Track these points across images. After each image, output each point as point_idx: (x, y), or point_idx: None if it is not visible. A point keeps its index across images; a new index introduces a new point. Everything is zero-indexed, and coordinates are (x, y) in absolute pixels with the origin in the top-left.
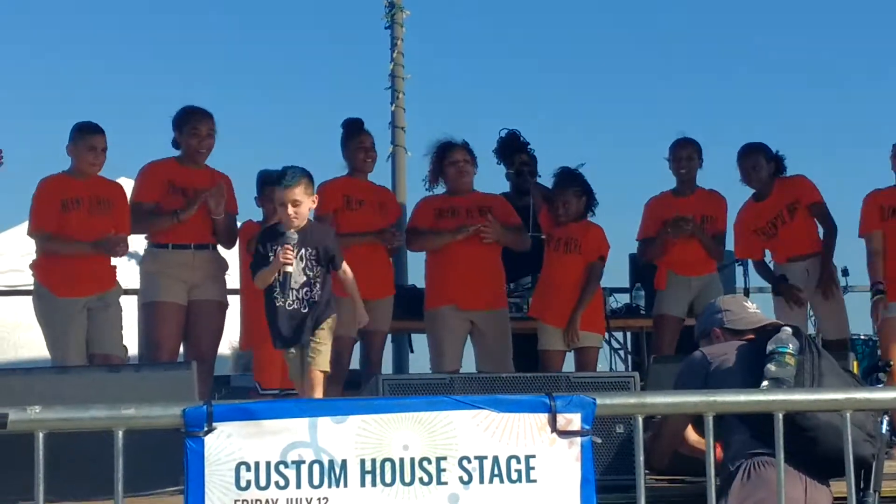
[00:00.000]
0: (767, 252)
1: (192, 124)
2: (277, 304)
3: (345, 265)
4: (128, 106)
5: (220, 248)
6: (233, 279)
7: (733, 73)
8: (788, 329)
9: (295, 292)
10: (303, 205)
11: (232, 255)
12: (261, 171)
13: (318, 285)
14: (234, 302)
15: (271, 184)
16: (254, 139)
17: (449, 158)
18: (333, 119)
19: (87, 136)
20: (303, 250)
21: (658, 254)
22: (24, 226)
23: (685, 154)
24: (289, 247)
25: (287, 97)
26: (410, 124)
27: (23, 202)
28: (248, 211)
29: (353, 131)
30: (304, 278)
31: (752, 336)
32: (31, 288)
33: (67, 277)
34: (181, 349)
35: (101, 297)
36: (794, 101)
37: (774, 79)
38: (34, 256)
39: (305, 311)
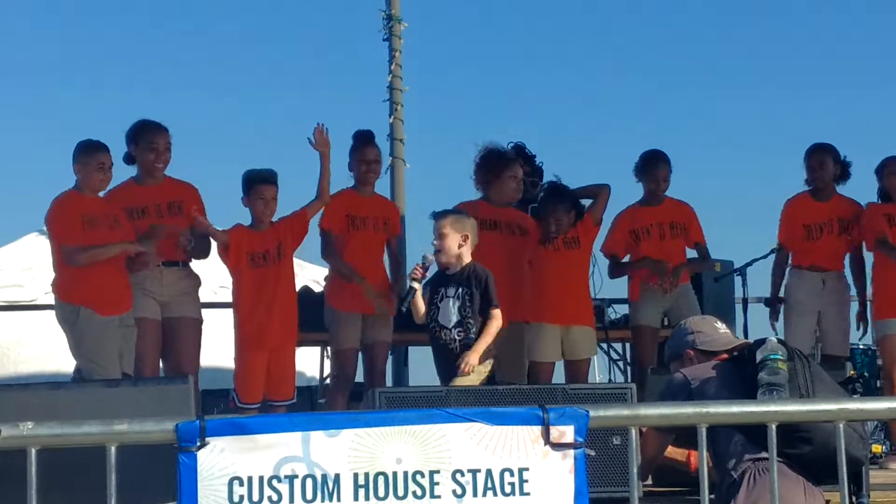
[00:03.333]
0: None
1: (149, 139)
2: (439, 342)
3: (496, 312)
4: (125, 116)
5: (192, 263)
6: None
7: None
8: (774, 339)
9: (449, 332)
10: (448, 238)
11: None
12: (247, 171)
13: (472, 327)
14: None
15: (258, 182)
16: (251, 151)
17: (511, 172)
18: (332, 131)
19: (95, 154)
20: (459, 289)
21: (630, 274)
22: (25, 241)
23: (662, 175)
24: (419, 265)
25: (285, 110)
26: (409, 136)
27: (22, 218)
28: (237, 214)
29: (358, 143)
30: (458, 317)
31: (725, 356)
32: (31, 303)
33: (107, 296)
34: (160, 366)
35: (128, 314)
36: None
37: None
38: (34, 272)
39: (458, 351)
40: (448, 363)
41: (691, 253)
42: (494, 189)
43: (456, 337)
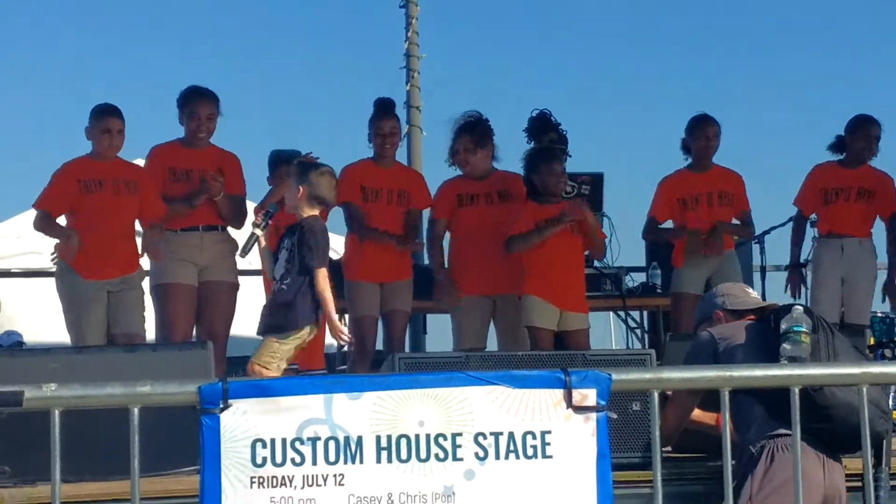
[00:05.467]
0: None
1: (192, 107)
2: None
3: (321, 273)
4: (147, 84)
5: (230, 228)
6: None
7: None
8: (800, 307)
9: (277, 284)
10: (290, 186)
11: None
12: (273, 151)
13: (290, 280)
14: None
15: (283, 163)
16: (268, 119)
17: (455, 146)
18: (348, 100)
19: (101, 118)
20: (289, 241)
21: (668, 241)
22: None
23: (712, 132)
24: (261, 212)
25: (301, 77)
26: (426, 104)
27: (40, 184)
28: (262, 190)
29: (376, 114)
30: (283, 269)
31: (754, 317)
32: (50, 270)
33: (93, 260)
34: (194, 331)
35: (123, 279)
36: None
37: None
38: (51, 239)
39: (279, 301)
40: (267, 313)
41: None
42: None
43: (281, 288)
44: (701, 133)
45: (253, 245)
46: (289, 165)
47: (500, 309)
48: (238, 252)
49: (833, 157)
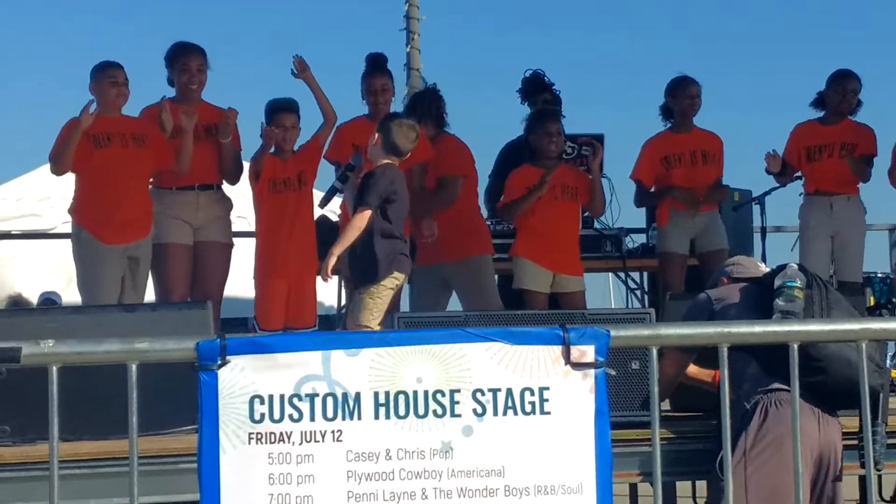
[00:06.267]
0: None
1: (183, 61)
2: None
3: (362, 212)
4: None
5: (225, 187)
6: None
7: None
8: (794, 265)
9: None
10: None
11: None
12: (269, 101)
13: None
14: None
15: (277, 110)
16: (265, 79)
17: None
18: (348, 60)
19: (107, 70)
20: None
21: (657, 203)
22: (43, 170)
23: (695, 91)
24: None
25: (302, 38)
26: (426, 65)
27: (41, 146)
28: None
29: (368, 71)
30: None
31: None
32: (50, 231)
33: (112, 224)
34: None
35: (139, 243)
36: None
37: None
38: (52, 201)
39: (356, 253)
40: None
41: None
42: None
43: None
44: (684, 93)
45: (332, 198)
46: (287, 113)
47: (452, 274)
48: (318, 203)
49: (816, 113)
